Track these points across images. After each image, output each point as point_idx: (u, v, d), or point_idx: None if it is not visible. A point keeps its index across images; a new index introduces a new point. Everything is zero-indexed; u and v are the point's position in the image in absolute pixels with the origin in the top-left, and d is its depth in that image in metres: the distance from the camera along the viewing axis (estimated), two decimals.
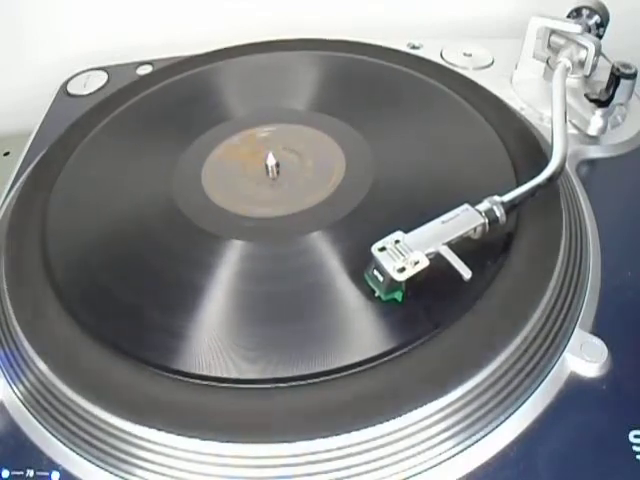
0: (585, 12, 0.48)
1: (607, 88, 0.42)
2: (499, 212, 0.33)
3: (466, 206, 0.33)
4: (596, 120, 0.42)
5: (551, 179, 0.35)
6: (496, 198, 0.33)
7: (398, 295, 0.32)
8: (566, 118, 0.40)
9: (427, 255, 0.31)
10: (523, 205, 0.35)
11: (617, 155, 0.43)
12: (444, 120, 0.44)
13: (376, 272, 0.31)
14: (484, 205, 0.33)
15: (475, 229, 0.33)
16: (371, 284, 0.32)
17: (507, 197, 0.34)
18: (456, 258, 0.31)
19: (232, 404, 0.29)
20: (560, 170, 0.36)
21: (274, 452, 0.27)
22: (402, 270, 0.30)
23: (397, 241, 0.32)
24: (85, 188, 0.42)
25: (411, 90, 0.47)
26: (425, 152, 0.41)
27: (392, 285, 0.31)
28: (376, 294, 0.32)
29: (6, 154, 0.58)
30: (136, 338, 0.32)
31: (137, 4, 0.62)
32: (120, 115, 0.47)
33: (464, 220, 0.33)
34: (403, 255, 0.31)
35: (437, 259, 0.31)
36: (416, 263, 0.31)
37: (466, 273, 0.30)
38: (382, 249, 0.31)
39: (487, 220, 0.33)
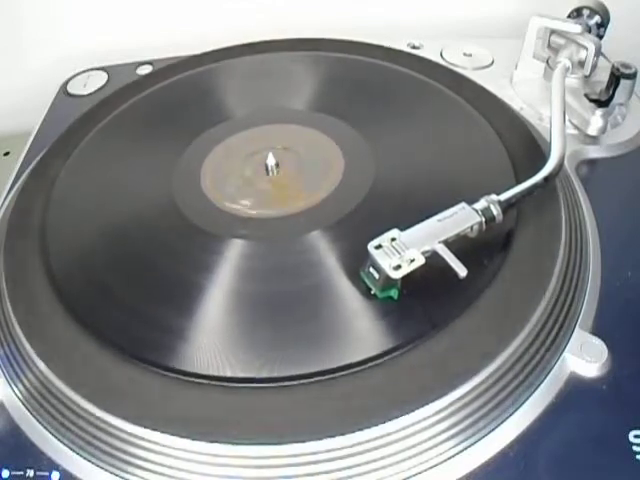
0: (586, 12, 0.48)
1: (607, 88, 0.42)
2: (496, 211, 0.33)
3: (463, 204, 0.33)
4: (596, 120, 0.42)
5: (548, 178, 0.35)
6: (493, 197, 0.33)
7: (394, 293, 0.32)
8: (565, 118, 0.40)
9: (423, 253, 0.31)
10: (521, 204, 0.35)
11: (617, 155, 0.43)
12: (443, 120, 0.44)
13: (372, 269, 0.31)
14: (481, 204, 0.33)
15: (472, 227, 0.33)
16: (367, 281, 0.32)
17: (504, 196, 0.34)
18: (452, 256, 0.31)
19: (232, 404, 0.29)
20: (558, 170, 0.36)
21: (274, 452, 0.27)
22: (398, 268, 0.30)
23: (393, 239, 0.32)
24: (85, 188, 0.42)
25: (411, 90, 0.47)
26: (424, 152, 0.41)
27: (388, 283, 0.31)
28: (372, 292, 0.32)
29: (6, 154, 0.58)
30: (136, 338, 0.32)
31: (137, 4, 0.62)
32: (120, 115, 0.47)
33: (461, 218, 0.33)
34: (399, 253, 0.31)
35: (437, 259, 0.31)
36: (412, 261, 0.31)
37: (462, 271, 0.30)
38: (378, 247, 0.31)
39: (484, 219, 0.33)
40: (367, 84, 0.48)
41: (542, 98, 0.46)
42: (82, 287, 0.35)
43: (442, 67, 0.50)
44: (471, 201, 0.33)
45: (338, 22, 0.60)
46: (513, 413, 0.29)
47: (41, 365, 0.31)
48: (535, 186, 0.35)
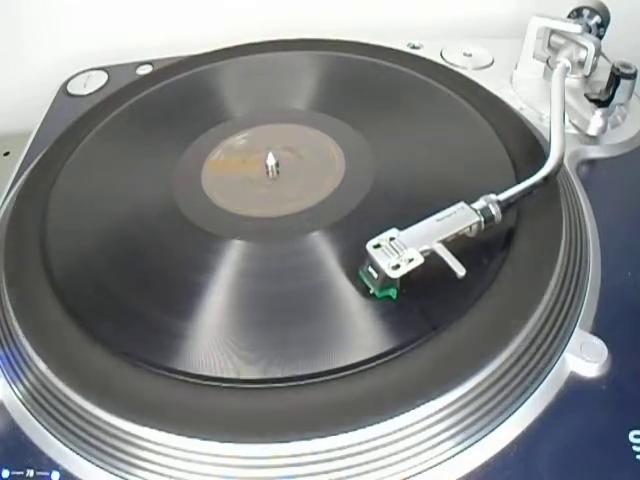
0: (586, 12, 0.48)
1: (607, 88, 0.42)
2: (495, 210, 0.33)
3: (462, 204, 0.33)
4: (596, 120, 0.42)
5: (548, 178, 0.35)
6: (492, 196, 0.33)
7: (392, 292, 0.32)
8: (564, 117, 0.40)
9: (422, 252, 0.31)
10: (521, 204, 0.35)
11: (617, 155, 0.43)
12: (444, 120, 0.44)
13: (371, 269, 0.31)
14: (480, 203, 0.33)
15: (471, 227, 0.33)
16: (366, 281, 0.32)
17: (503, 196, 0.34)
18: (450, 256, 0.31)
19: (231, 404, 0.29)
20: (557, 169, 0.36)
21: (274, 452, 0.27)
22: (396, 267, 0.30)
23: (392, 238, 0.32)
24: (85, 188, 0.42)
25: (411, 90, 0.47)
26: (425, 152, 0.41)
27: (386, 282, 0.31)
28: (370, 291, 0.32)
29: (6, 154, 0.58)
30: (136, 338, 0.32)
31: (137, 4, 0.62)
32: (120, 115, 0.47)
33: (459, 218, 0.33)
34: (397, 252, 0.31)
35: (437, 259, 0.31)
36: (411, 260, 0.31)
37: (460, 271, 0.30)
38: (377, 246, 0.31)
39: (482, 218, 0.33)
40: (367, 84, 0.48)
41: (542, 98, 0.46)
42: (82, 287, 0.35)
43: (442, 67, 0.50)
44: (471, 201, 0.33)
45: (338, 22, 0.60)
46: (513, 413, 0.29)
47: (41, 365, 0.31)
48: (534, 186, 0.35)
